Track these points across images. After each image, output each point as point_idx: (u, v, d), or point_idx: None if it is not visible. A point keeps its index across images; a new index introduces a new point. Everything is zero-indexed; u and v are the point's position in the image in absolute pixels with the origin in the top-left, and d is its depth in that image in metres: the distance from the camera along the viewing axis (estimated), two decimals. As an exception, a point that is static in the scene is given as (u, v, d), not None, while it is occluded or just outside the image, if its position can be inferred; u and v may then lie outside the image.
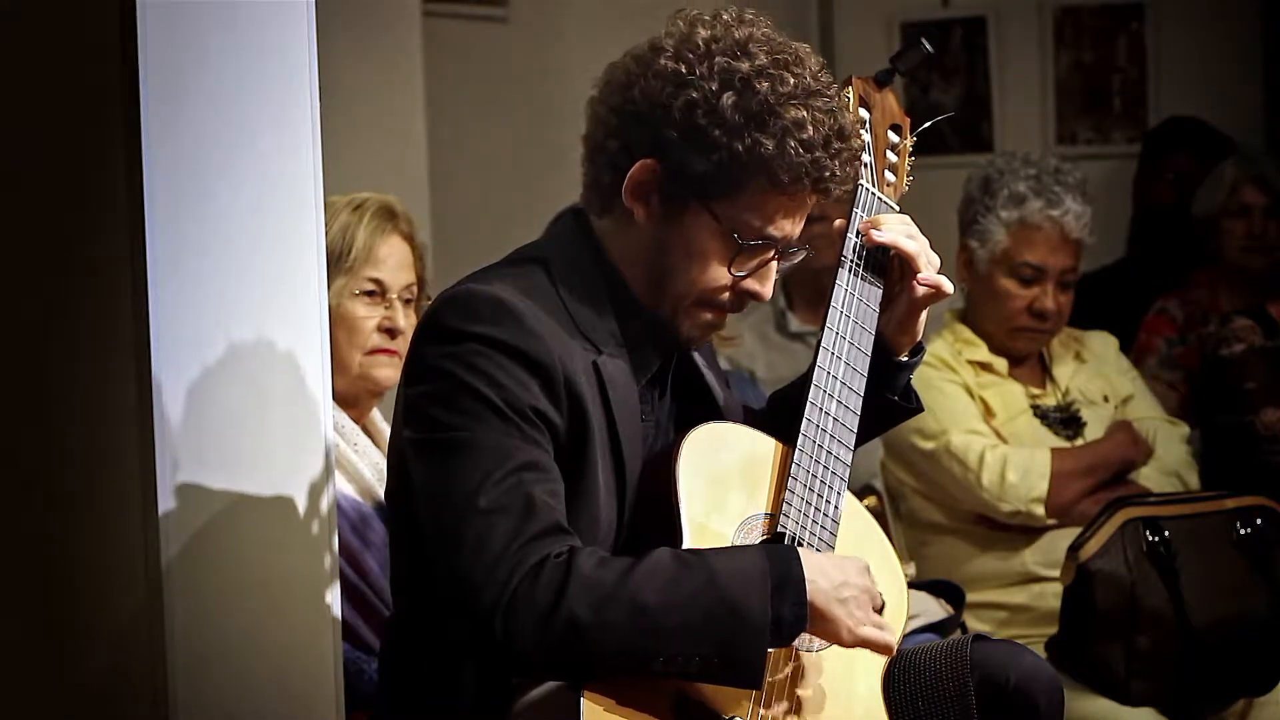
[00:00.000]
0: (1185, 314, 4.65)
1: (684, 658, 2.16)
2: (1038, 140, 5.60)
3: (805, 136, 2.25)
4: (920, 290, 2.44)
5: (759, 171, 2.26)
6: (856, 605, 2.24)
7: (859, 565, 2.28)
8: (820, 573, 2.22)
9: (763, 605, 2.17)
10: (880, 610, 2.28)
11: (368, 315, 2.95)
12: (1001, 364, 3.81)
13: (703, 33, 2.29)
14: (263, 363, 2.48)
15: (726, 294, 2.33)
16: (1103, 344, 3.99)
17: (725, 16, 2.31)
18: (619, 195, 2.31)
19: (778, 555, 2.21)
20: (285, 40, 2.48)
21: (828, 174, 2.28)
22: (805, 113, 2.25)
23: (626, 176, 2.29)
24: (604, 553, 2.20)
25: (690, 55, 2.27)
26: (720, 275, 2.31)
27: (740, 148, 2.25)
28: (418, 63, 4.56)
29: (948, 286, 2.45)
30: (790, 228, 2.32)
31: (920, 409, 2.56)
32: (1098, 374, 3.91)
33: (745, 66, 2.26)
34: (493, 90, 5.14)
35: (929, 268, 2.44)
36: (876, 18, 5.78)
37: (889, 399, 2.49)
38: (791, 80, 2.26)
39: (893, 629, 2.33)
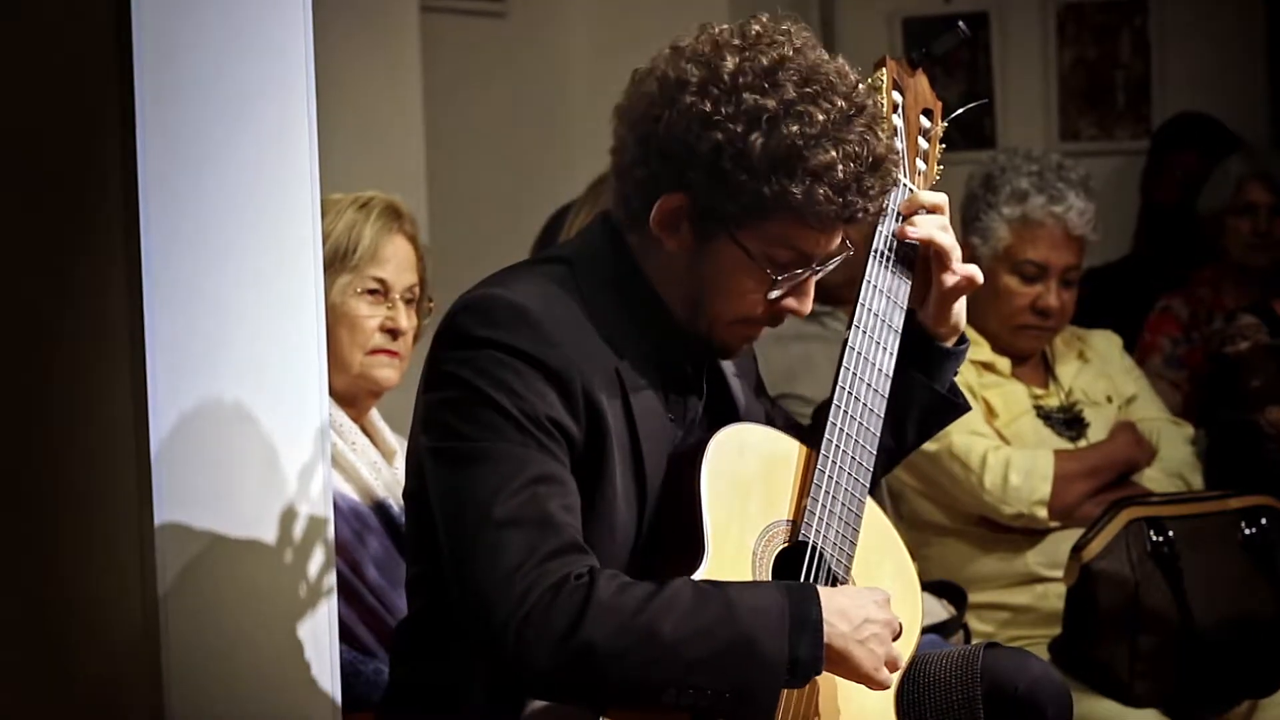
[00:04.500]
0: (1190, 312, 4.65)
1: (696, 691, 2.14)
2: (1041, 137, 5.59)
3: (835, 179, 2.21)
4: (951, 282, 2.41)
5: (787, 213, 2.23)
6: (877, 643, 2.23)
7: (880, 599, 2.26)
8: (840, 615, 2.20)
9: (779, 645, 2.15)
10: (898, 637, 2.27)
11: (370, 314, 2.93)
12: (1004, 364, 3.80)
13: (729, 63, 2.22)
14: (259, 362, 2.48)
15: (763, 314, 2.31)
16: (1106, 343, 3.97)
17: (753, 32, 2.26)
18: (647, 218, 2.28)
19: (797, 594, 2.19)
20: (282, 35, 2.47)
21: (860, 212, 2.25)
22: (834, 152, 2.20)
23: (654, 207, 2.26)
24: (624, 577, 2.18)
25: (715, 91, 2.21)
26: (755, 300, 2.29)
27: (767, 191, 2.21)
28: (416, 58, 4.56)
29: (979, 277, 2.43)
30: (826, 248, 2.29)
31: (968, 408, 2.53)
32: (1101, 374, 3.89)
33: (772, 104, 2.20)
34: (491, 86, 5.14)
35: (958, 260, 2.41)
36: (878, 13, 5.78)
37: (936, 393, 2.46)
38: (820, 117, 2.20)
39: (905, 654, 2.32)
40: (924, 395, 2.45)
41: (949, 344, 2.47)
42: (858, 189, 2.22)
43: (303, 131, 2.48)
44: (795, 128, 2.20)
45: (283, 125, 2.47)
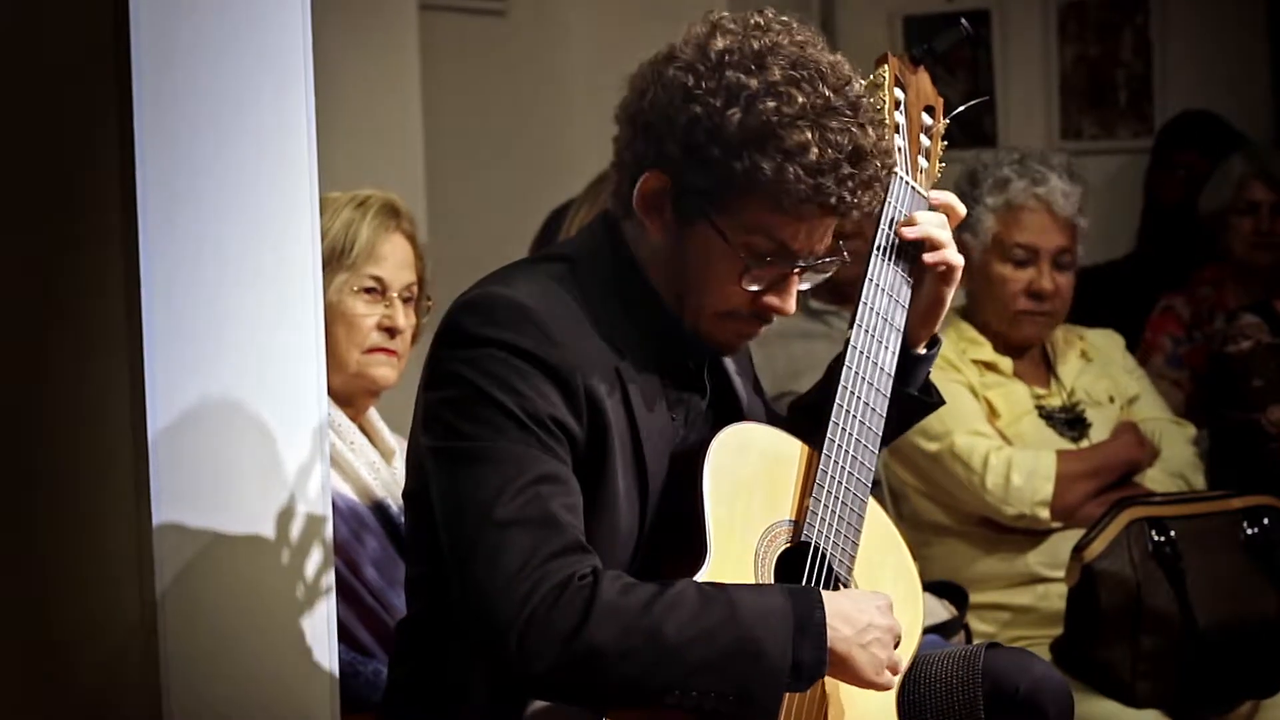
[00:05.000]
0: (1192, 311, 4.65)
1: (699, 693, 2.13)
2: (1042, 135, 5.59)
3: (808, 161, 2.18)
4: (938, 269, 2.40)
5: (759, 193, 2.20)
6: (879, 647, 2.22)
7: (882, 603, 2.25)
8: (843, 618, 2.20)
9: (783, 648, 2.15)
10: (899, 642, 2.26)
11: (367, 313, 2.92)
12: (1006, 364, 3.79)
13: (720, 43, 2.22)
14: (257, 361, 2.47)
15: (745, 307, 2.28)
16: (1108, 342, 3.96)
17: (753, 20, 2.25)
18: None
19: (801, 598, 2.19)
20: (280, 34, 2.47)
21: (833, 200, 2.21)
22: (811, 134, 2.18)
23: (636, 187, 2.26)
24: (627, 577, 2.17)
25: (701, 68, 2.21)
26: (733, 291, 2.26)
27: (738, 168, 2.19)
28: (414, 57, 4.55)
29: (958, 259, 2.41)
30: (806, 245, 2.26)
31: (942, 402, 2.53)
32: (1103, 374, 3.88)
33: (754, 83, 2.19)
34: (490, 85, 5.13)
35: (948, 249, 2.40)
36: (879, 11, 5.77)
37: (910, 394, 2.46)
38: (800, 99, 2.19)
39: (905, 658, 2.32)
40: (899, 398, 2.43)
41: (921, 350, 2.46)
42: (834, 176, 2.19)
43: (301, 129, 2.48)
44: (772, 104, 2.19)
45: (281, 123, 2.47)
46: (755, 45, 2.22)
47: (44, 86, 2.40)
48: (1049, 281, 3.72)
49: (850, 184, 2.21)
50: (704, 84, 2.20)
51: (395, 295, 2.93)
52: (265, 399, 2.47)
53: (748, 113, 2.18)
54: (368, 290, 2.92)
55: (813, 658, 2.16)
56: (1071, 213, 3.73)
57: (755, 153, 2.18)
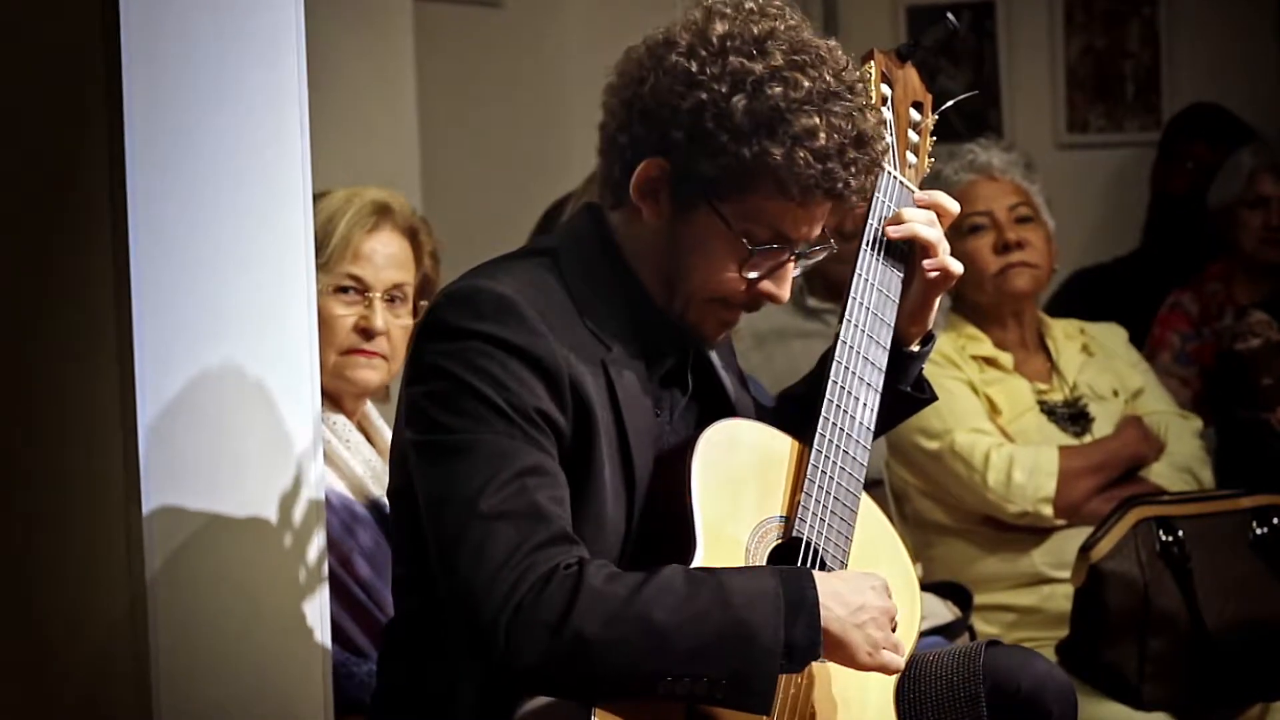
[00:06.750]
0: (1200, 308, 4.65)
1: (692, 679, 2.11)
2: (1047, 127, 5.59)
3: (816, 145, 2.19)
4: (930, 275, 2.40)
5: (767, 179, 2.21)
6: (875, 627, 2.20)
7: (876, 584, 2.23)
8: (836, 598, 2.18)
9: (775, 629, 2.13)
10: (894, 625, 2.24)
11: (344, 314, 2.87)
12: (1007, 359, 3.78)
13: (719, 28, 2.23)
14: (250, 358, 2.46)
15: (739, 295, 2.28)
16: (1111, 336, 3.96)
17: (749, 5, 2.26)
18: (629, 189, 2.27)
19: (792, 578, 2.17)
20: (272, 27, 2.46)
21: (840, 184, 2.22)
22: (818, 119, 2.19)
23: (634, 173, 2.25)
24: (613, 567, 2.16)
25: (703, 53, 2.22)
26: (731, 277, 2.26)
27: (747, 153, 2.19)
28: (409, 50, 4.55)
29: (956, 267, 2.41)
30: (806, 231, 2.27)
31: (934, 398, 2.52)
32: (1106, 368, 3.88)
33: (758, 68, 2.20)
34: (486, 78, 5.13)
35: (943, 253, 2.40)
36: (882, 2, 5.75)
37: (902, 390, 2.45)
38: (806, 84, 2.20)
39: (905, 644, 2.29)
40: (889, 396, 2.42)
41: (915, 347, 2.45)
42: (840, 160, 2.21)
43: (294, 125, 2.47)
44: (779, 90, 2.20)
45: (274, 119, 2.46)
46: (755, 30, 2.23)
47: (34, 80, 2.39)
48: (1013, 233, 3.74)
49: (854, 168, 2.23)
50: (708, 69, 2.21)
51: (377, 296, 2.88)
52: (258, 391, 2.46)
53: (754, 98, 2.19)
54: (343, 289, 2.87)
55: (806, 638, 2.14)
56: (1015, 175, 3.77)
57: (764, 138, 2.19)
